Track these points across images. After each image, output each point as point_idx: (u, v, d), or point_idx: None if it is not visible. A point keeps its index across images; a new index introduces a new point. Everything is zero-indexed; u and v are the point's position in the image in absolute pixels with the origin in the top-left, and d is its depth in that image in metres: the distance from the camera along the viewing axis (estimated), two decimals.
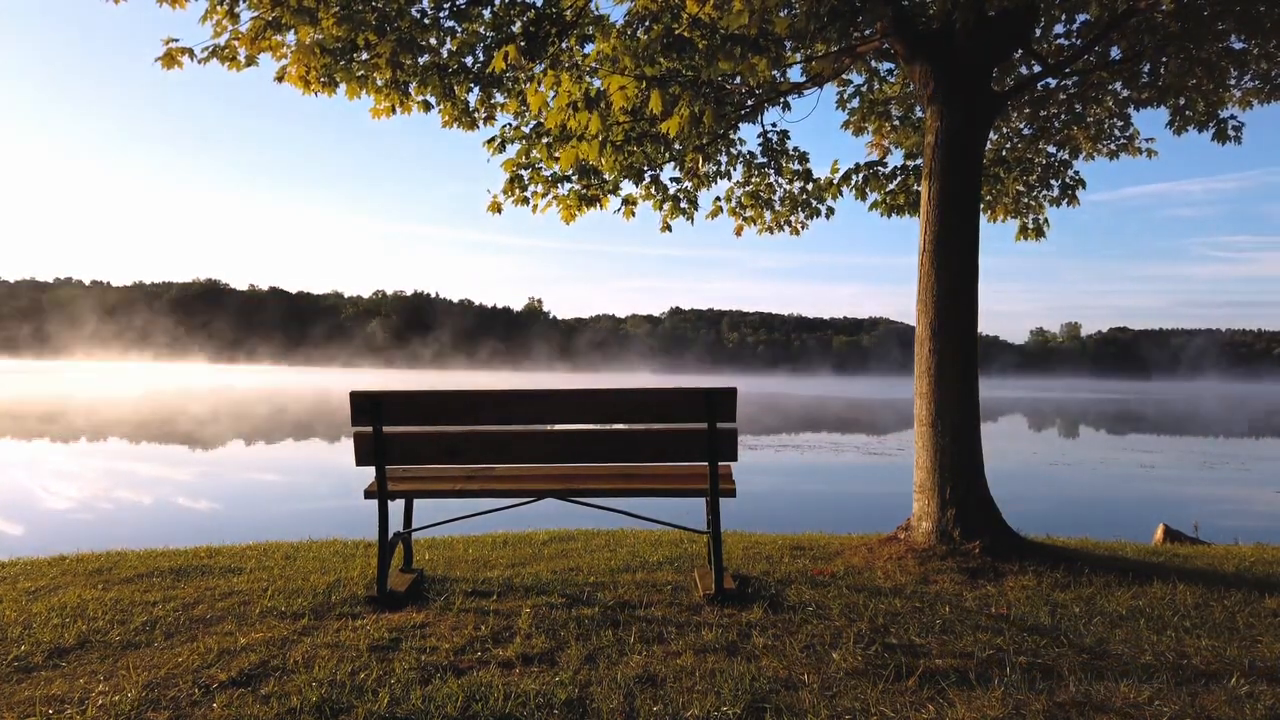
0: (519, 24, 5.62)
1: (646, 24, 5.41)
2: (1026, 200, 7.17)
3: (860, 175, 7.05)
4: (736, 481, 4.05)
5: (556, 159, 6.17)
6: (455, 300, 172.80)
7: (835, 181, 7.16)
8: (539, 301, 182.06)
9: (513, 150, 6.45)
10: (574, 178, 6.58)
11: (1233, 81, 5.78)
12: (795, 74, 6.48)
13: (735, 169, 7.09)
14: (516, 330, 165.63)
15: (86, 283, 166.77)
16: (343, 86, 5.39)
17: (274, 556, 5.00)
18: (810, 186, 7.28)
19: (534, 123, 6.34)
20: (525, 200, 6.55)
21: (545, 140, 6.28)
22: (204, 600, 3.90)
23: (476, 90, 6.00)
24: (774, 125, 6.96)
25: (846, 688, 2.85)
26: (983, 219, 6.44)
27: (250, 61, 5.20)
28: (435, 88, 5.71)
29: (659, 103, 4.45)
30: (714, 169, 7.00)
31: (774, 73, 6.10)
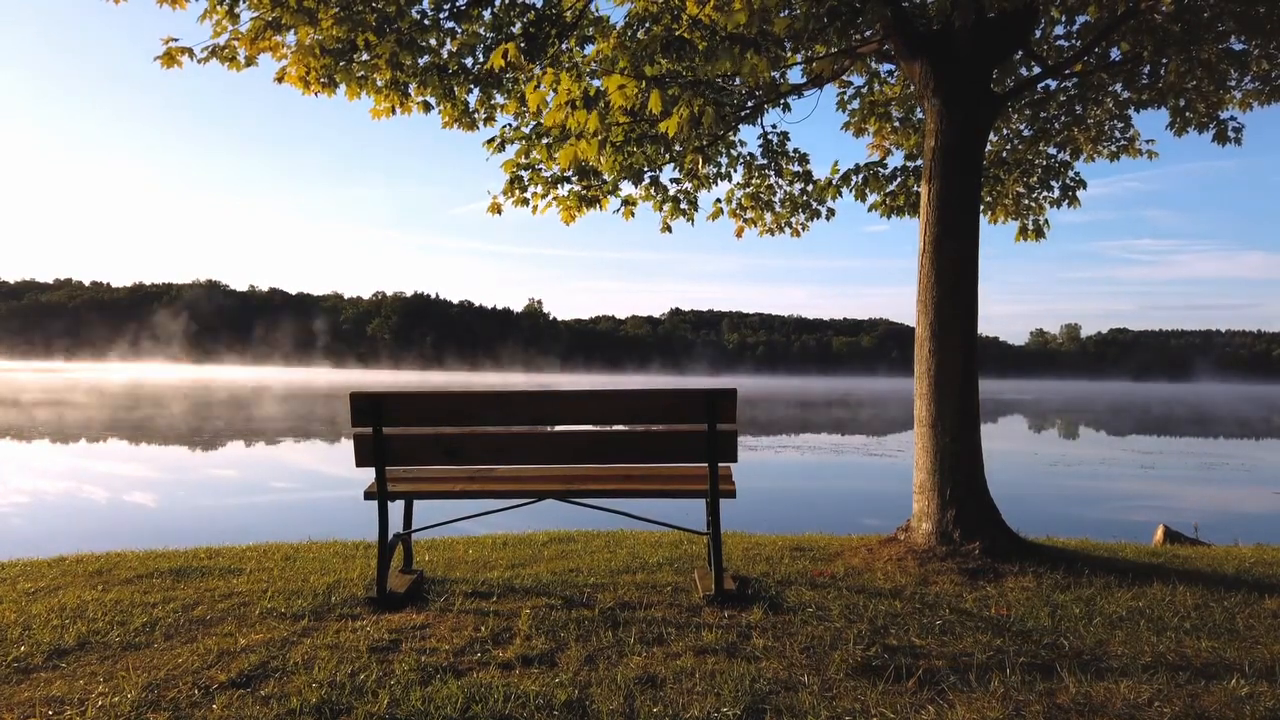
0: (519, 25, 5.62)
1: (646, 25, 5.40)
2: (1027, 201, 7.16)
3: (860, 176, 7.04)
4: (736, 482, 4.05)
5: (556, 159, 6.16)
6: (455, 301, 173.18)
7: (835, 183, 7.15)
8: (539, 303, 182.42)
9: (512, 151, 6.44)
10: (573, 178, 6.57)
11: (1233, 83, 5.78)
12: (795, 75, 6.48)
13: (735, 170, 7.08)
14: (516, 331, 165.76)
15: (86, 283, 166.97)
16: (343, 87, 5.38)
17: (273, 557, 5.00)
18: (810, 188, 7.27)
19: (533, 123, 6.33)
20: (525, 201, 6.54)
21: (545, 141, 6.28)
22: (204, 601, 3.90)
23: (476, 91, 6.00)
24: (774, 126, 7.00)
25: (846, 689, 2.85)
26: (982, 220, 6.43)
27: (250, 62, 5.20)
28: (435, 88, 5.70)
29: (658, 103, 4.45)
30: (714, 170, 6.98)
31: (774, 74, 6.09)
